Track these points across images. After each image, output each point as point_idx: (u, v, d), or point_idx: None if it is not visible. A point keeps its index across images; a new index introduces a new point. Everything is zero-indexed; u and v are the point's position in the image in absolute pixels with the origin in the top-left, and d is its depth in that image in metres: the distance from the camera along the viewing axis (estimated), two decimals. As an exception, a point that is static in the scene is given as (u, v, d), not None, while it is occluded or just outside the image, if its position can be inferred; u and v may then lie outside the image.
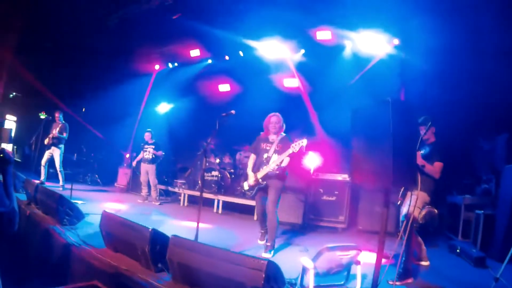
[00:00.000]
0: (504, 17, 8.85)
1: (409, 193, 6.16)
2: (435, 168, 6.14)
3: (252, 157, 7.81)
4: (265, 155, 7.43)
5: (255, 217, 10.30)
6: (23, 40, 15.36)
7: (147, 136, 13.12)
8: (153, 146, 12.86)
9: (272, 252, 7.15)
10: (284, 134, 7.51)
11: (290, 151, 6.98)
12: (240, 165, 13.49)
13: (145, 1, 13.58)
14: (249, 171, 7.68)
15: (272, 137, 7.56)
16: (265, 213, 7.44)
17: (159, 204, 12.60)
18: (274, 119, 7.51)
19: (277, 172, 7.22)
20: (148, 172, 12.90)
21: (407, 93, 10.60)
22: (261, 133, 7.78)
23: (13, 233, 3.72)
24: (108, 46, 15.94)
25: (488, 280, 4.94)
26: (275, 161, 7.16)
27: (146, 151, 12.95)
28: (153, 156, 12.77)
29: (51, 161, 12.94)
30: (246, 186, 7.70)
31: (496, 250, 7.67)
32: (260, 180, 7.36)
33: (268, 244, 7.18)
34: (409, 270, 5.97)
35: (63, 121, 13.19)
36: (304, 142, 6.89)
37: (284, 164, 7.19)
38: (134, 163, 13.59)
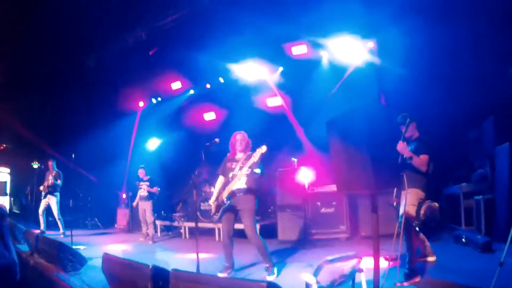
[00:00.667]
0: (477, 16, 9.06)
1: (403, 193, 6.18)
2: (421, 161, 6.14)
3: (220, 179, 7.54)
4: (231, 174, 7.18)
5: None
6: (6, 91, 15.44)
7: (140, 172, 12.90)
8: (148, 183, 12.61)
9: (275, 270, 6.99)
10: (251, 152, 7.12)
11: (251, 161, 6.75)
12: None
13: (120, 38, 13.73)
14: (214, 192, 7.48)
15: (239, 155, 7.35)
16: (232, 240, 7.28)
17: (152, 244, 12.00)
18: (239, 137, 7.29)
19: (245, 188, 7.07)
20: (145, 209, 12.59)
21: (388, 96, 10.68)
22: (228, 153, 7.58)
23: (16, 283, 3.74)
24: (91, 88, 16.04)
25: (496, 264, 4.94)
26: (239, 176, 6.96)
27: (141, 188, 12.68)
28: (148, 192, 12.51)
29: (48, 209, 12.98)
30: (213, 208, 7.40)
31: (501, 233, 7.65)
32: (224, 200, 7.14)
33: (268, 265, 7.02)
34: (415, 269, 5.97)
35: (57, 169, 13.22)
36: (263, 149, 6.67)
37: (257, 171, 6.96)
38: (134, 204, 13.00)
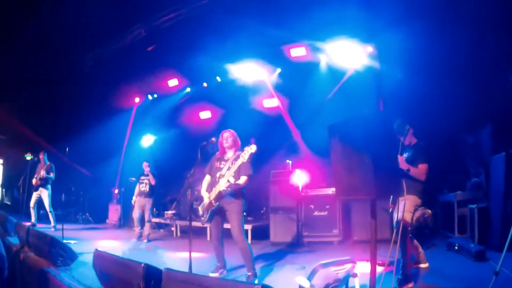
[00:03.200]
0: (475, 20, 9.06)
1: (400, 199, 6.14)
2: (420, 171, 6.13)
3: (207, 178, 7.34)
4: (218, 174, 6.98)
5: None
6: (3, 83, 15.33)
7: (145, 165, 12.22)
8: (151, 176, 11.98)
9: (256, 280, 6.71)
10: (240, 151, 6.84)
11: (239, 161, 6.55)
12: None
13: (118, 38, 13.66)
14: (203, 191, 7.24)
15: (227, 155, 7.17)
16: (222, 241, 7.17)
17: (147, 242, 11.55)
18: (226, 135, 7.12)
19: (231, 190, 6.84)
20: (144, 206, 11.89)
21: (386, 101, 10.66)
22: (217, 152, 7.38)
23: (4, 279, 3.66)
24: (88, 83, 15.94)
25: (489, 273, 4.93)
26: (227, 177, 6.73)
27: (142, 182, 12.01)
28: (150, 188, 11.90)
29: (40, 202, 12.85)
30: (200, 210, 7.23)
31: (495, 241, 7.73)
32: (213, 201, 6.91)
33: (250, 274, 6.77)
34: (408, 275, 5.94)
35: (48, 162, 13.12)
36: (253, 148, 6.47)
37: (240, 182, 6.78)
38: (133, 201, 12.09)
